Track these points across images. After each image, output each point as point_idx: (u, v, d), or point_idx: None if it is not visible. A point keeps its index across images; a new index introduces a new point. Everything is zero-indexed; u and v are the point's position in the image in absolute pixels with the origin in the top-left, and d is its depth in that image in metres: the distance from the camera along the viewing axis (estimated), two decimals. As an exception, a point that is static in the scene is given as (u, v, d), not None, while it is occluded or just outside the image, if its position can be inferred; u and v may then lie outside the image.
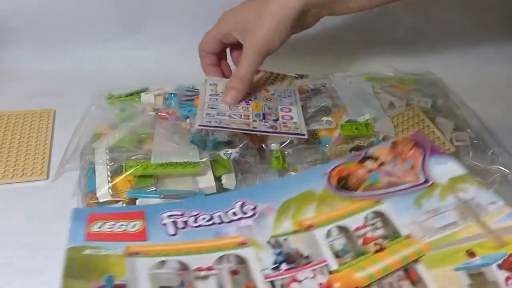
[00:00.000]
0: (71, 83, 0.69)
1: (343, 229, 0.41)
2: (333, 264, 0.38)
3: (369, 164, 0.47)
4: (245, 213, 0.43)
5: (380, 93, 0.62)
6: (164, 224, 0.42)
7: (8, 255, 0.44)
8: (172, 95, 0.59)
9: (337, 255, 0.39)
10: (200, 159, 0.48)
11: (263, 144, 0.53)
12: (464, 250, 0.38)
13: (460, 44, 0.76)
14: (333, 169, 0.47)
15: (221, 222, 0.42)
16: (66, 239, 0.39)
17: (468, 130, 0.56)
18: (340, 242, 0.40)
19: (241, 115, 0.51)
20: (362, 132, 0.54)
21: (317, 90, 0.62)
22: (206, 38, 0.56)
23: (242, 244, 0.40)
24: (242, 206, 0.43)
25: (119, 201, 0.46)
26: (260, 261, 0.39)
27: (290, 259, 0.39)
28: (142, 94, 0.60)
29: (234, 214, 0.43)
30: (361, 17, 0.73)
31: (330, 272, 0.38)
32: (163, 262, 0.38)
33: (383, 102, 0.61)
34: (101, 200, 0.45)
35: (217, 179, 0.48)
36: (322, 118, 0.56)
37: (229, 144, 0.50)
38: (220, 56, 0.58)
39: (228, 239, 0.41)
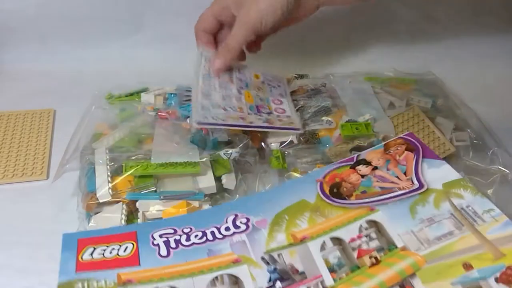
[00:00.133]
0: (71, 83, 0.69)
1: (337, 241, 0.41)
2: (328, 280, 0.38)
3: (362, 168, 0.47)
4: (238, 227, 0.42)
5: (380, 93, 0.62)
6: (157, 245, 0.41)
7: (8, 255, 0.44)
8: (172, 95, 0.59)
9: (332, 269, 0.38)
10: (200, 159, 0.48)
11: (263, 144, 0.53)
12: (460, 262, 0.38)
13: (460, 44, 0.76)
14: (325, 175, 0.47)
15: (214, 239, 0.41)
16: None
17: (468, 130, 0.56)
18: (335, 255, 0.40)
19: (235, 107, 0.51)
20: (362, 132, 0.54)
21: (317, 90, 0.62)
22: (202, 17, 0.56)
23: (236, 262, 0.39)
24: (234, 220, 0.43)
25: (119, 201, 0.46)
26: (255, 279, 0.38)
27: (285, 276, 0.38)
28: (142, 94, 0.60)
29: (227, 229, 0.42)
30: (361, 16, 0.73)
31: (325, 288, 0.37)
32: None
33: (383, 102, 0.60)
34: (101, 201, 0.45)
35: (217, 179, 0.48)
36: (322, 118, 0.56)
37: (229, 144, 0.50)
38: (216, 40, 0.58)
39: (222, 257, 0.40)
